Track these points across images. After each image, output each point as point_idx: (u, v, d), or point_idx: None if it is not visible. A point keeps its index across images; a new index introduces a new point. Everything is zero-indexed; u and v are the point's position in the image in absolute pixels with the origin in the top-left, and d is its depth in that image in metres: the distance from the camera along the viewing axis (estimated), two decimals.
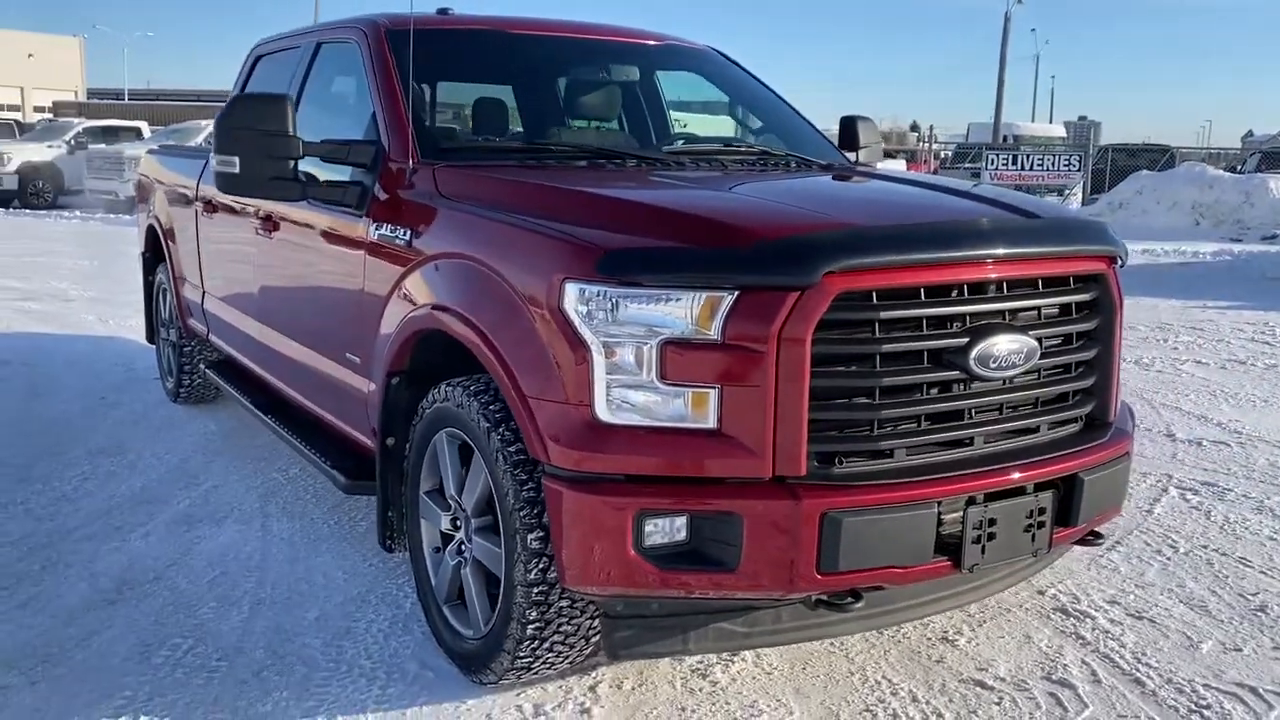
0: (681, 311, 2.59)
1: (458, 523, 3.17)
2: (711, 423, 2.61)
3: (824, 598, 2.74)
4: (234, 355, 5.29)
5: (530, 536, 2.78)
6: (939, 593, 3.06)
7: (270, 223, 4.40)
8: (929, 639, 3.45)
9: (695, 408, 2.61)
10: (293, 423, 4.45)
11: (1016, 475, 2.83)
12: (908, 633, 3.48)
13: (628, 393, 2.63)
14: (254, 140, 3.48)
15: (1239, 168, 25.76)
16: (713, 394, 2.60)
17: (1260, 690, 3.15)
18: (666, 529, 2.63)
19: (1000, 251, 2.81)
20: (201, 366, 5.88)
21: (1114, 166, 24.80)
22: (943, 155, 30.39)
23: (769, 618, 2.86)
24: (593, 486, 2.63)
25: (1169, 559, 4.13)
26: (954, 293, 2.78)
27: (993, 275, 2.81)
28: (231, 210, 4.90)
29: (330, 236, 3.88)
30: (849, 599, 2.74)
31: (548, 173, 3.47)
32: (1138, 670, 3.25)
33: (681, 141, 4.66)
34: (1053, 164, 23.34)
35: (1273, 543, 4.31)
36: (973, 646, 3.40)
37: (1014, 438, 2.96)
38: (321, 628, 3.48)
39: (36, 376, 7.10)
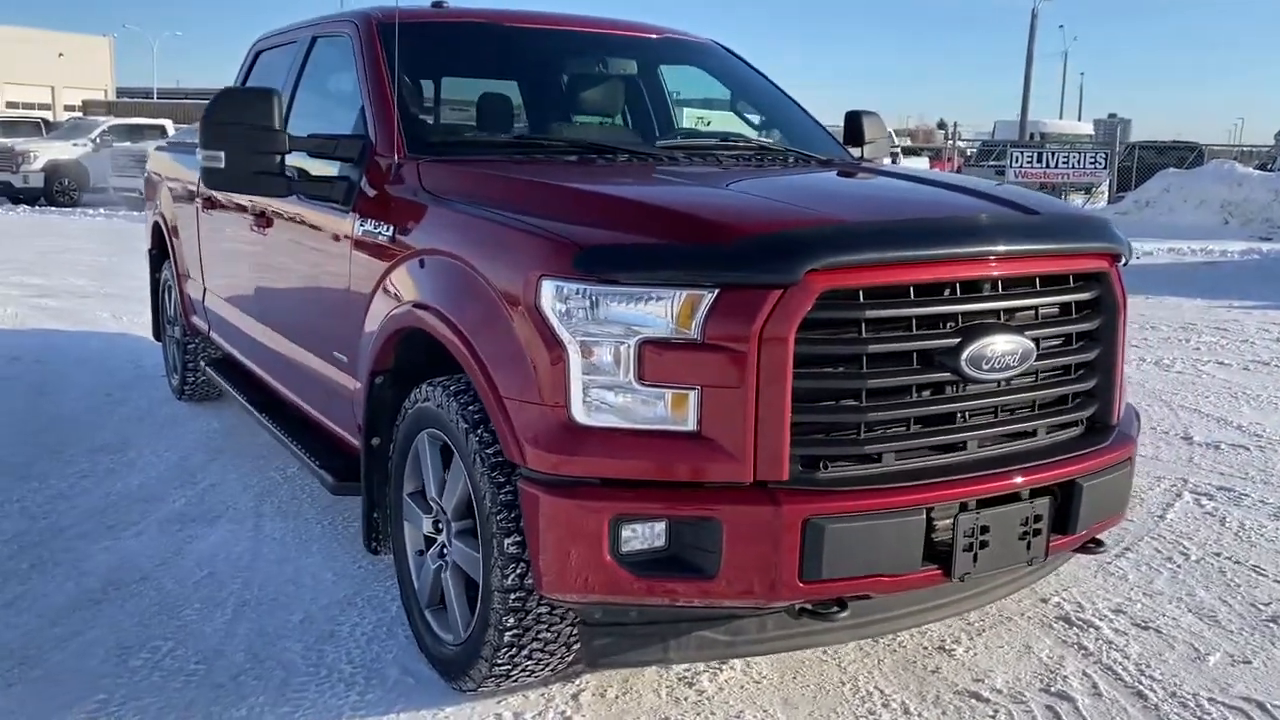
0: (660, 310, 2.51)
1: (440, 526, 3.10)
2: (691, 425, 2.53)
3: (808, 606, 2.64)
4: (232, 353, 5.25)
5: (507, 541, 2.70)
6: (933, 601, 2.96)
7: (264, 219, 4.35)
8: (925, 648, 3.35)
9: (674, 409, 2.53)
10: (287, 422, 4.40)
11: (1011, 481, 2.73)
12: (903, 641, 3.38)
13: (605, 394, 2.55)
14: (240, 135, 3.43)
15: (1269, 165, 25.35)
16: (692, 395, 2.51)
17: (1268, 705, 3.03)
18: (645, 535, 2.55)
19: (994, 248, 2.70)
20: (202, 364, 5.85)
21: (1141, 164, 24.43)
22: (968, 153, 30.10)
23: (753, 626, 2.77)
24: (568, 490, 2.55)
25: (1179, 566, 4.01)
26: (946, 291, 2.68)
27: (986, 273, 2.71)
28: (229, 206, 4.86)
29: (319, 232, 3.83)
30: (834, 608, 2.64)
31: (534, 167, 3.40)
32: (1140, 683, 3.14)
33: (679, 136, 4.56)
34: (1078, 161, 23.04)
35: None
36: (970, 656, 3.30)
37: (1010, 442, 2.86)
38: (305, 631, 3.42)
39: (46, 373, 7.11)
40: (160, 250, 6.52)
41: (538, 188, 3.04)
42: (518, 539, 2.69)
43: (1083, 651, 3.33)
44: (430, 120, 3.92)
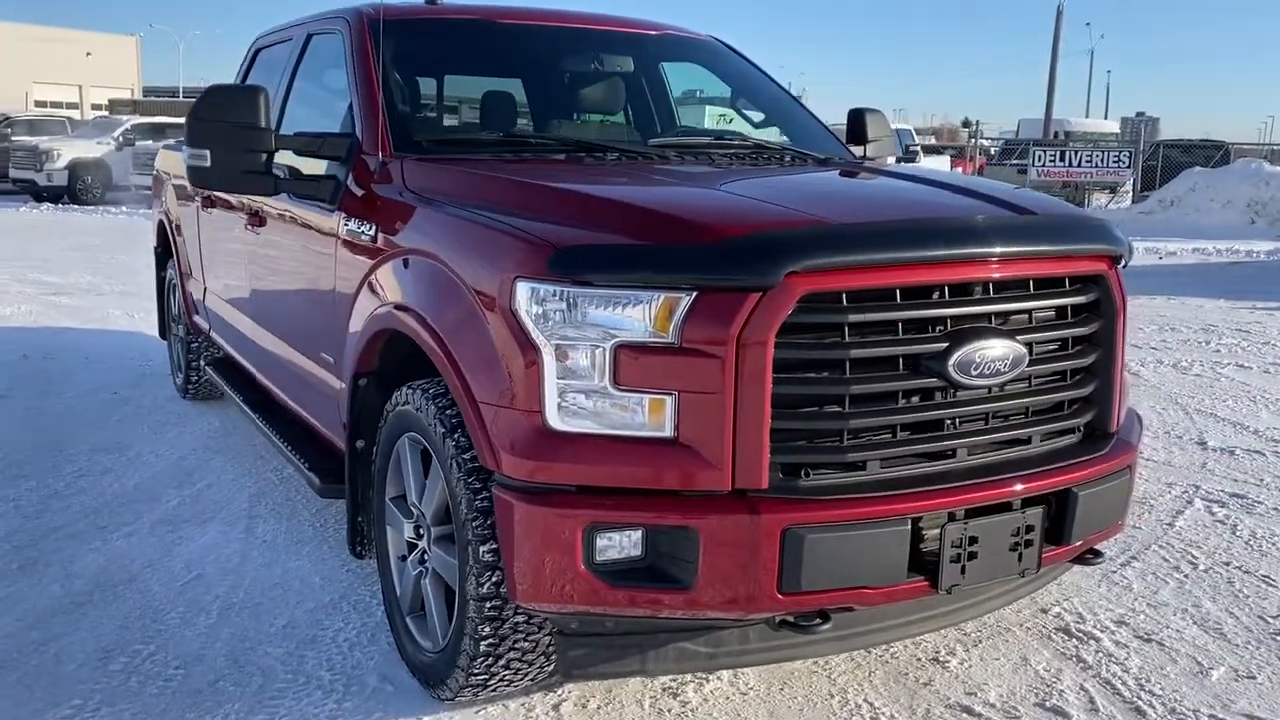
0: (637, 313, 2.44)
1: (420, 531, 3.05)
2: (668, 431, 2.45)
3: (788, 619, 2.57)
4: (230, 352, 5.22)
5: (483, 548, 2.64)
6: (923, 612, 2.88)
7: (257, 217, 4.31)
8: (919, 659, 3.26)
9: (651, 415, 2.46)
10: (280, 423, 4.36)
11: (1001, 490, 2.64)
12: (897, 652, 3.29)
13: (580, 399, 2.49)
14: (226, 133, 3.39)
15: None
16: (669, 401, 2.44)
17: None
18: (620, 544, 2.48)
19: (984, 250, 2.62)
20: (202, 363, 5.83)
21: (1167, 163, 24.10)
22: (991, 152, 29.82)
23: (735, 637, 2.70)
24: (542, 498, 2.49)
25: (1186, 576, 3.90)
26: (934, 294, 2.60)
27: (976, 276, 2.62)
28: (226, 205, 4.83)
29: (307, 231, 3.78)
30: (816, 620, 2.56)
31: (519, 166, 3.33)
32: (1139, 698, 3.04)
33: (678, 135, 4.48)
34: (1102, 160, 22.76)
35: None
36: (964, 668, 3.21)
37: (1003, 449, 2.77)
38: (287, 636, 3.37)
39: (55, 371, 7.12)
40: (165, 248, 6.51)
41: (517, 187, 2.98)
42: (493, 546, 2.62)
43: (1081, 664, 3.24)
44: (419, 118, 3.87)
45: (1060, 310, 2.84)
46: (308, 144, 3.57)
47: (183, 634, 3.39)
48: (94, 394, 6.48)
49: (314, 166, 3.66)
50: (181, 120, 26.52)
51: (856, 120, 4.53)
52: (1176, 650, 3.34)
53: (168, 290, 6.63)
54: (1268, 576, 3.91)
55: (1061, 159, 22.97)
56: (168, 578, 3.81)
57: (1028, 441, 2.81)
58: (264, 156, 3.41)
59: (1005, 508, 2.66)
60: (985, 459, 2.73)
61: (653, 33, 4.49)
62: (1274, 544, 4.22)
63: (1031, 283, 2.74)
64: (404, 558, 3.17)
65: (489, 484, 2.61)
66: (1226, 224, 19.64)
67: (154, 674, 3.13)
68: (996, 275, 2.65)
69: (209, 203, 5.14)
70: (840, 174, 3.65)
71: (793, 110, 4.44)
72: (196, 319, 5.84)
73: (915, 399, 2.61)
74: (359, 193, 3.43)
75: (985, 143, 32.06)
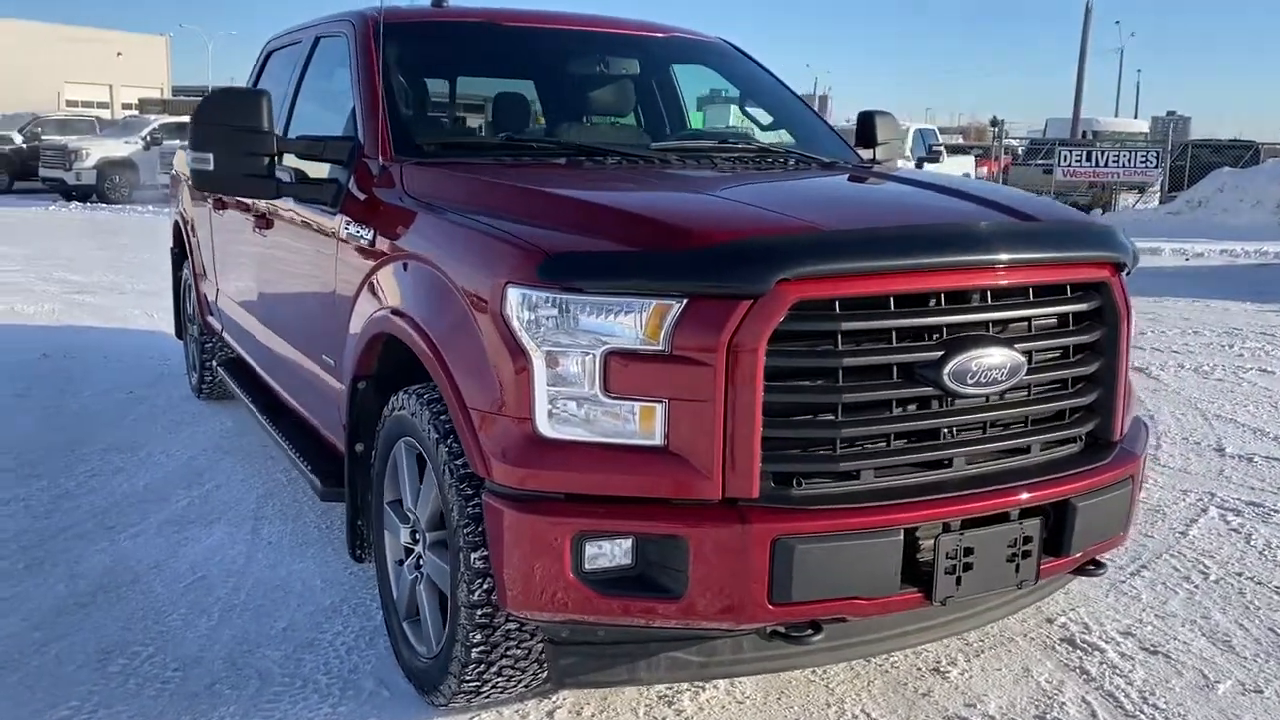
0: (628, 320, 2.42)
1: (416, 536, 3.04)
2: (658, 439, 2.44)
3: (779, 629, 2.54)
4: (241, 353, 5.25)
5: (474, 555, 2.63)
6: (920, 623, 2.84)
7: (264, 219, 4.33)
8: (919, 669, 3.23)
9: (641, 423, 2.44)
10: (286, 425, 4.37)
11: (998, 500, 2.60)
12: (897, 662, 3.26)
13: (570, 406, 2.47)
14: (228, 136, 3.39)
15: None
16: (659, 409, 2.42)
17: None
18: (610, 552, 2.46)
19: (981, 258, 2.58)
20: (214, 364, 5.86)
21: (1196, 163, 23.81)
22: (1018, 152, 29.56)
23: (727, 647, 2.68)
24: (531, 505, 2.47)
25: (1197, 586, 3.84)
26: (930, 302, 2.56)
27: (973, 283, 2.58)
28: (236, 206, 4.85)
29: (310, 234, 3.79)
30: (808, 631, 2.54)
31: (518, 171, 3.32)
32: (1142, 712, 3.00)
33: (686, 138, 4.45)
34: (1129, 160, 22.50)
35: None
36: (965, 679, 3.18)
37: (1001, 459, 2.73)
38: (286, 639, 3.38)
39: (74, 369, 7.18)
40: (181, 249, 6.55)
41: (512, 192, 2.97)
42: (484, 553, 2.61)
43: (1084, 676, 3.19)
44: (421, 122, 3.86)
45: (1061, 318, 2.79)
46: (310, 147, 3.57)
47: (183, 636, 3.40)
48: (110, 393, 6.53)
49: (318, 169, 3.67)
50: None
51: (866, 122, 4.49)
52: (1183, 663, 3.28)
53: (183, 290, 6.68)
54: None
55: (1087, 159, 22.73)
56: (171, 579, 3.83)
57: (1027, 451, 2.77)
58: (266, 160, 3.41)
59: (1002, 518, 2.62)
60: (983, 469, 2.69)
61: (659, 35, 4.46)
62: None
63: (1031, 290, 2.70)
64: (401, 562, 3.16)
65: (480, 491, 2.60)
66: (1255, 225, 19.36)
67: (152, 676, 3.15)
68: (994, 282, 2.61)
69: (220, 204, 5.17)
70: (842, 179, 3.62)
71: (800, 113, 4.41)
72: (210, 319, 5.87)
73: (911, 408, 2.58)
74: (360, 196, 3.44)
75: (1013, 142, 31.80)
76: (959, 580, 2.56)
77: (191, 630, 3.44)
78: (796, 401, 2.47)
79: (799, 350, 2.44)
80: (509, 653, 2.73)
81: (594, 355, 2.44)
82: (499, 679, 2.77)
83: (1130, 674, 3.20)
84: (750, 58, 4.61)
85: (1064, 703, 3.04)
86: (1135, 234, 17.36)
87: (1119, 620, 3.57)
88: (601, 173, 3.36)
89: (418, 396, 2.89)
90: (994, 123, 26.53)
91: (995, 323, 2.64)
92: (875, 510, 2.47)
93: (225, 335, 5.53)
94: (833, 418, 2.49)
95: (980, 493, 2.60)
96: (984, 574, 2.59)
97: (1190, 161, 23.91)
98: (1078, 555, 2.79)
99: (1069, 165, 22.66)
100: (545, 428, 2.48)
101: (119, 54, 59.22)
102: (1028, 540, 2.64)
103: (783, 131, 4.38)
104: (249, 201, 4.52)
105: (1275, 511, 4.62)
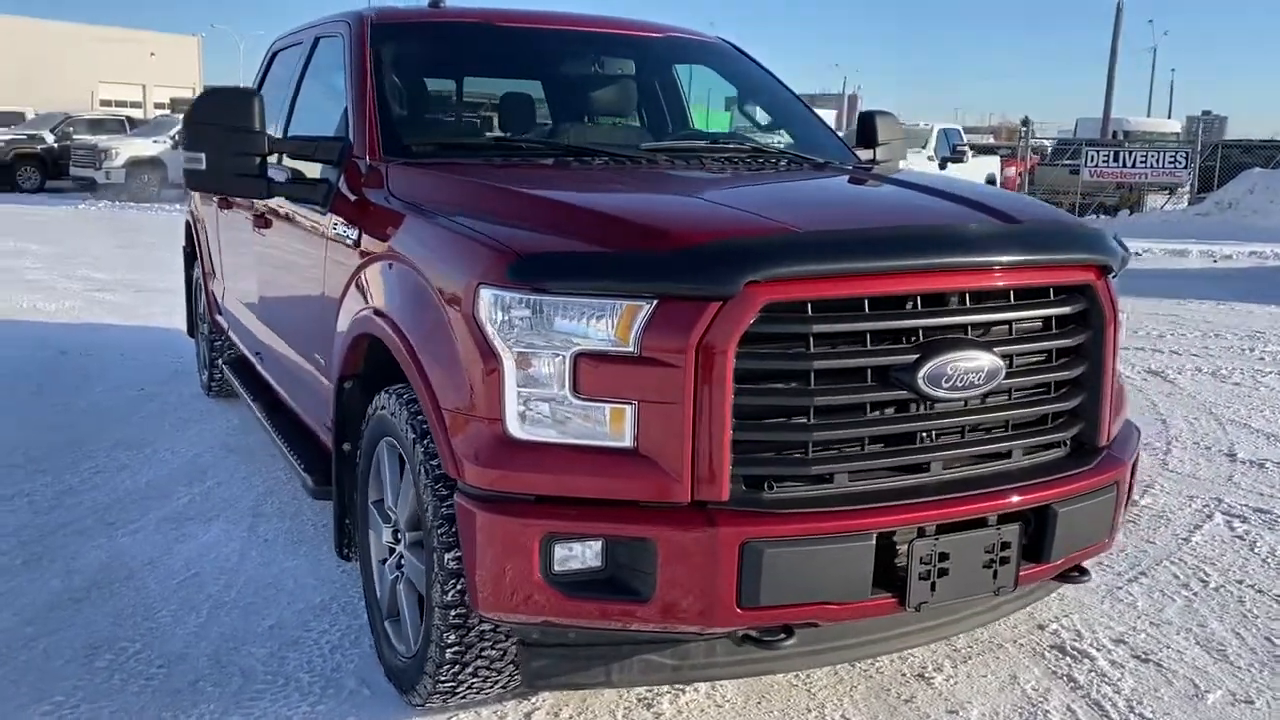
0: (598, 321, 2.41)
1: (398, 536, 3.05)
2: (628, 441, 2.42)
3: (750, 633, 2.52)
4: (244, 351, 5.28)
5: (448, 556, 2.63)
6: (900, 628, 2.81)
7: (263, 219, 4.35)
8: (903, 674, 3.20)
9: (611, 425, 2.43)
10: (285, 423, 4.40)
11: (974, 505, 2.57)
12: (882, 667, 3.23)
13: (541, 407, 2.46)
14: (220, 136, 3.41)
15: None
16: (629, 410, 2.41)
17: None
18: (581, 554, 2.46)
19: (957, 260, 2.55)
20: (219, 362, 5.90)
21: (1227, 163, 23.46)
22: (1046, 152, 29.26)
23: (701, 650, 2.66)
24: (502, 507, 2.47)
25: (1195, 594, 3.78)
26: (907, 305, 2.53)
27: (949, 286, 2.55)
28: (237, 206, 4.88)
29: (302, 233, 3.81)
30: (780, 635, 2.52)
31: (502, 171, 3.31)
32: None
33: (682, 139, 4.43)
34: (1157, 160, 22.22)
35: None
36: (949, 685, 3.14)
37: (981, 464, 2.70)
38: (272, 636, 3.39)
39: (89, 366, 7.26)
40: (192, 248, 6.61)
41: (491, 192, 2.96)
42: (458, 554, 2.61)
43: (1071, 684, 3.15)
44: (411, 122, 3.85)
45: (1044, 321, 2.76)
46: (301, 147, 3.59)
47: (172, 632, 3.42)
48: (122, 390, 6.60)
49: (313, 170, 3.69)
50: None
51: (867, 122, 4.46)
52: (1174, 671, 3.23)
53: (194, 289, 6.73)
54: None
55: (1115, 159, 22.44)
56: (165, 575, 3.86)
57: (1008, 456, 2.74)
58: (257, 159, 3.42)
59: (979, 524, 2.59)
60: (962, 473, 2.66)
61: (655, 35, 4.44)
62: None
63: (1011, 293, 2.67)
64: (384, 562, 3.17)
65: (454, 491, 2.60)
66: None
67: (137, 672, 3.17)
68: (971, 285, 2.58)
69: (225, 204, 5.21)
70: (831, 180, 3.59)
71: (799, 113, 4.38)
72: (218, 318, 5.92)
73: (887, 411, 2.56)
74: (349, 196, 3.45)
75: (1044, 143, 31.47)
76: (934, 586, 2.53)
77: (180, 627, 3.46)
78: (768, 404, 2.45)
79: (770, 352, 2.42)
80: (484, 654, 2.73)
81: (565, 356, 2.43)
82: (475, 679, 2.77)
83: (1119, 682, 3.16)
84: (750, 58, 4.58)
85: (1048, 711, 3.00)
86: (1163, 236, 17.07)
87: (1112, 627, 3.52)
88: (585, 173, 3.35)
89: (398, 397, 2.89)
90: (1025, 123, 26.25)
91: (974, 326, 2.60)
92: (846, 514, 2.45)
93: (230, 334, 5.57)
94: (805, 421, 2.47)
95: (957, 498, 2.57)
96: (960, 580, 2.57)
97: (1220, 162, 23.57)
98: (1059, 562, 2.76)
99: (1095, 166, 22.40)
100: (516, 429, 2.48)
101: (152, 54, 59.87)
102: (1006, 546, 2.61)
103: (782, 132, 4.36)
104: (250, 200, 4.55)
105: None
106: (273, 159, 3.79)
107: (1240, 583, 3.89)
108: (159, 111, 41.76)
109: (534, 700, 3.00)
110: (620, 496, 2.44)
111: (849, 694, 3.09)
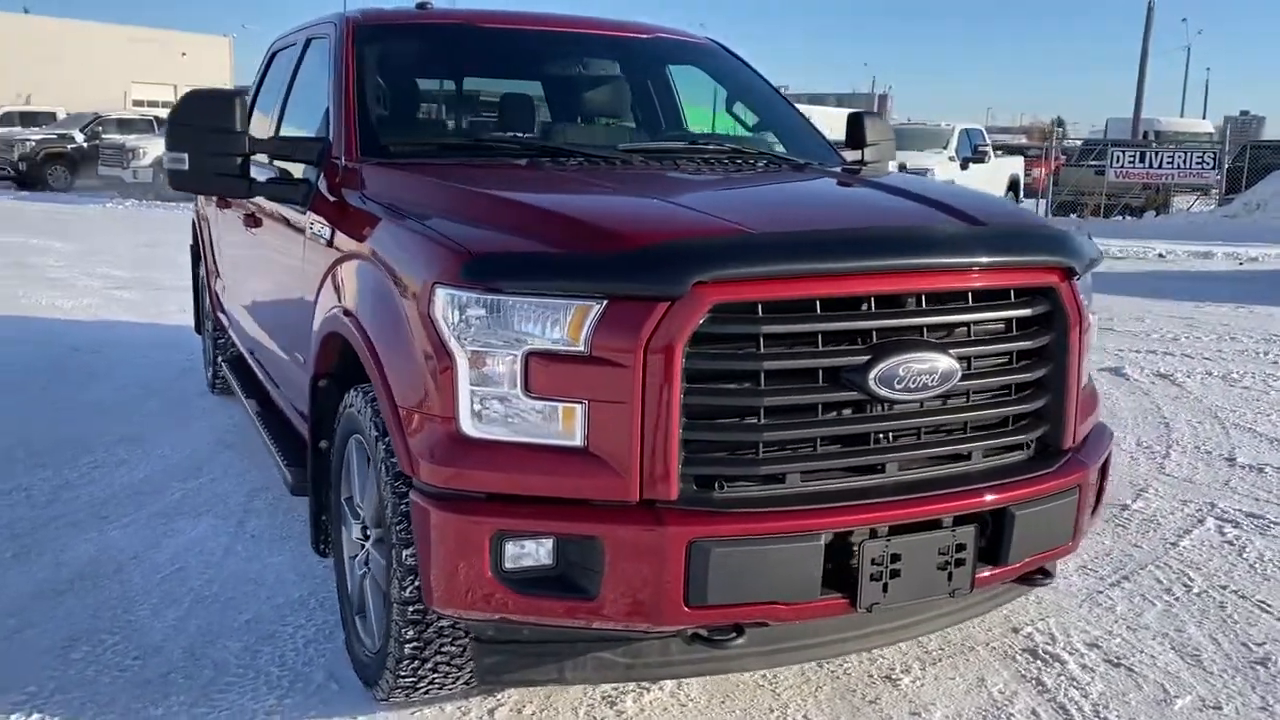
0: (549, 321, 2.43)
1: (367, 532, 3.08)
2: (578, 440, 2.44)
3: (700, 632, 2.53)
4: (240, 348, 5.34)
5: (405, 552, 2.66)
6: (858, 629, 2.81)
7: (253, 218, 4.41)
8: (870, 676, 3.19)
9: (562, 424, 2.44)
10: (274, 420, 4.45)
11: (927, 507, 2.57)
12: (849, 667, 3.23)
13: (494, 406, 2.48)
14: (202, 137, 3.46)
15: None
16: (579, 409, 2.43)
17: None
18: (533, 552, 2.47)
19: (910, 262, 2.55)
20: (219, 359, 5.97)
21: (1256, 164, 23.16)
22: (1076, 150, 28.99)
23: (655, 649, 2.67)
24: (454, 505, 2.49)
25: (1176, 599, 3.75)
26: (862, 306, 2.53)
27: (903, 288, 2.55)
28: (234, 205, 4.93)
29: (285, 232, 3.86)
30: (731, 635, 2.52)
31: (471, 172, 3.34)
32: None
33: (673, 140, 4.42)
34: (1184, 161, 21.96)
35: None
36: (916, 687, 3.14)
37: (941, 465, 2.70)
38: (248, 630, 3.44)
39: (99, 363, 7.35)
40: (199, 246, 6.68)
41: (456, 193, 2.99)
42: (414, 551, 2.64)
43: (1039, 688, 3.14)
44: (391, 123, 3.89)
45: (1006, 323, 2.74)
46: (282, 147, 3.64)
47: (150, 625, 3.47)
48: (128, 387, 6.68)
49: (298, 169, 3.73)
50: None
51: (855, 124, 4.45)
52: (1145, 676, 3.21)
53: (201, 287, 6.81)
54: (1264, 602, 3.74)
55: (1141, 159, 22.20)
56: (150, 569, 3.91)
57: (968, 458, 2.73)
58: (238, 160, 3.47)
59: (933, 525, 2.58)
60: (919, 475, 2.65)
61: (642, 35, 4.44)
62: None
63: (970, 294, 2.66)
64: (354, 557, 3.20)
65: (411, 489, 2.63)
66: None
67: (111, 664, 3.22)
68: (926, 287, 2.57)
69: (224, 203, 5.27)
70: (803, 181, 3.58)
71: (786, 115, 4.38)
72: (220, 315, 5.99)
73: (842, 412, 2.56)
74: (327, 196, 3.48)
75: (1075, 143, 31.17)
76: (886, 588, 2.53)
77: (159, 620, 3.51)
78: (719, 404, 2.45)
79: (721, 352, 2.43)
80: (443, 650, 2.75)
81: (517, 356, 2.45)
82: (435, 675, 2.80)
83: (1088, 687, 3.14)
84: (739, 59, 4.59)
85: (1012, 714, 2.99)
86: (1188, 237, 16.90)
87: (1087, 631, 3.50)
88: (556, 174, 3.36)
89: (364, 395, 2.92)
90: (1057, 123, 26.02)
91: (931, 328, 2.60)
92: (796, 515, 2.45)
93: (230, 331, 5.63)
94: (755, 421, 2.47)
95: (909, 499, 2.57)
96: (913, 581, 2.56)
97: (1250, 163, 23.27)
98: (1017, 565, 2.75)
99: (1121, 166, 22.18)
100: (469, 428, 2.50)
101: (183, 54, 60.44)
102: (961, 548, 2.60)
103: (768, 132, 4.36)
104: (243, 200, 4.60)
105: (1276, 524, 4.50)
106: (263, 159, 3.85)
107: (1224, 588, 3.85)
108: None
109: (498, 696, 3.03)
110: (570, 495, 2.45)
111: (814, 694, 3.09)
